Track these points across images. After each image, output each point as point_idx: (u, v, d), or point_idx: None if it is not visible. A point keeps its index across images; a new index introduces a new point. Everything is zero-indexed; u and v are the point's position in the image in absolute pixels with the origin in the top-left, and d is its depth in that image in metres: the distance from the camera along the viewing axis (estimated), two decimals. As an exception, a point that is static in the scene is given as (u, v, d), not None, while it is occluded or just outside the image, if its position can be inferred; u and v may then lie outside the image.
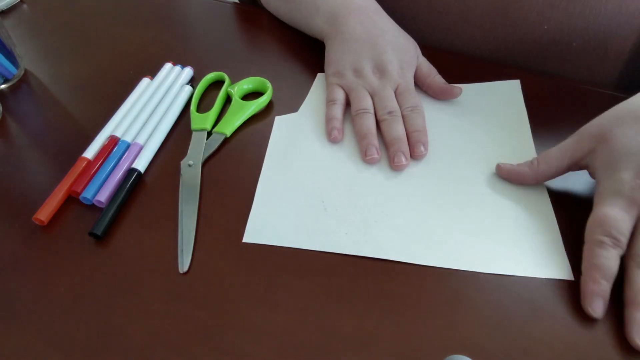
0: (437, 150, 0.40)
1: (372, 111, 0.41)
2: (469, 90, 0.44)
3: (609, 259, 0.30)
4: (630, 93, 0.35)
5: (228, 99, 0.46)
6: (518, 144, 0.40)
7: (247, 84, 0.46)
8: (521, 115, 0.42)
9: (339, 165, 0.39)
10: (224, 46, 0.51)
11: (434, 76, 0.44)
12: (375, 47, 0.43)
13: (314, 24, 0.48)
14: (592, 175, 0.34)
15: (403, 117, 0.40)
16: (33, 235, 0.36)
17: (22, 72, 0.49)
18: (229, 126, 0.42)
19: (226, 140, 0.42)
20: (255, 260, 0.34)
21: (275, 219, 0.36)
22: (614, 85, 0.48)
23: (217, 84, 0.47)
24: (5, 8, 0.58)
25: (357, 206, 0.36)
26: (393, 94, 0.41)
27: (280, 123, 0.43)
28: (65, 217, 0.37)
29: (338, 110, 0.42)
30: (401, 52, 0.43)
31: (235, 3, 0.58)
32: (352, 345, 0.30)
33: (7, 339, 0.31)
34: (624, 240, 0.30)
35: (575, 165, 0.34)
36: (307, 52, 0.50)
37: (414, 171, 0.39)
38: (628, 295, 0.29)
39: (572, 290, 0.31)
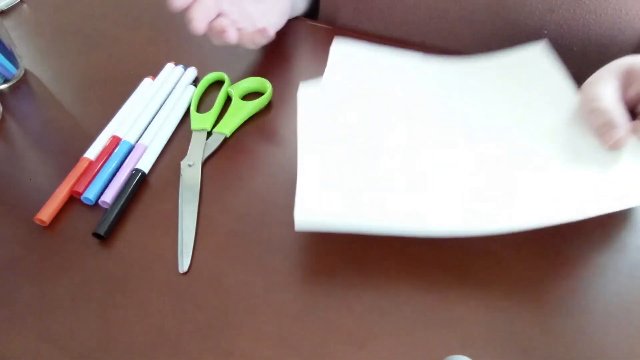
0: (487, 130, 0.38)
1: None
2: (494, 62, 0.43)
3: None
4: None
5: (228, 99, 0.46)
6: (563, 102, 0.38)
7: (247, 84, 0.46)
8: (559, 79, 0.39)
9: (384, 135, 0.37)
10: (224, 46, 0.51)
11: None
12: None
13: None
14: None
15: None
16: (34, 236, 0.36)
17: (22, 72, 0.49)
18: (229, 126, 0.42)
19: (226, 140, 0.42)
20: (255, 260, 0.34)
21: (324, 202, 0.32)
22: None
23: (217, 84, 0.47)
24: (5, 8, 0.58)
25: (410, 180, 0.34)
26: None
27: (305, 93, 0.40)
28: (66, 218, 0.37)
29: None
30: None
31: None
32: (351, 345, 0.30)
33: (8, 339, 0.31)
34: None
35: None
36: (307, 52, 0.50)
37: (463, 138, 0.36)
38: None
39: (573, 290, 0.31)
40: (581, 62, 0.47)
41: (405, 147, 0.36)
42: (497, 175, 0.34)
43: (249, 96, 0.46)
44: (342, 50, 0.44)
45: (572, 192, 0.32)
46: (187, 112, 0.45)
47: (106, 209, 0.37)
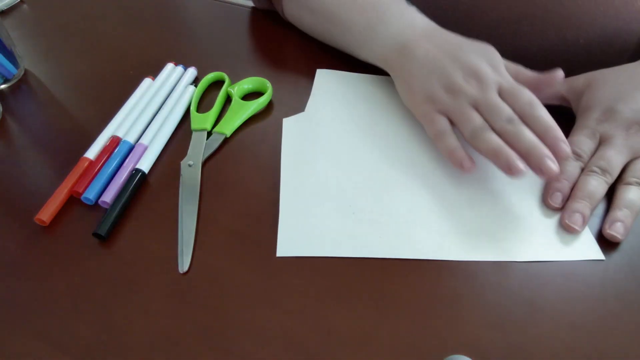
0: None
1: (488, 126, 0.36)
2: None
3: (572, 167, 0.36)
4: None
5: (228, 99, 0.46)
6: None
7: (247, 84, 0.46)
8: None
9: (360, 166, 0.39)
10: (224, 46, 0.51)
11: (524, 72, 0.40)
12: (458, 58, 0.39)
13: (370, 51, 0.45)
14: (575, 111, 0.40)
15: (522, 118, 0.36)
16: (34, 236, 0.36)
17: (22, 72, 0.49)
18: (229, 126, 0.42)
19: (226, 140, 0.42)
20: (255, 260, 0.34)
21: (304, 228, 0.35)
22: None
23: (217, 83, 0.47)
24: (5, 8, 0.58)
25: (385, 207, 0.36)
26: (499, 97, 0.37)
27: (289, 125, 0.42)
28: (66, 218, 0.37)
29: (453, 139, 0.37)
30: (486, 54, 0.40)
31: (235, 4, 0.58)
32: (351, 345, 0.30)
33: (8, 339, 0.31)
34: (585, 156, 0.37)
35: (565, 99, 0.40)
36: (307, 52, 0.50)
37: (437, 170, 0.39)
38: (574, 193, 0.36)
39: (573, 290, 0.31)
40: (586, 56, 0.47)
41: (379, 179, 0.38)
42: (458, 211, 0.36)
43: (249, 96, 0.46)
44: (324, 79, 0.47)
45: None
46: (187, 112, 0.45)
47: (106, 209, 0.37)
